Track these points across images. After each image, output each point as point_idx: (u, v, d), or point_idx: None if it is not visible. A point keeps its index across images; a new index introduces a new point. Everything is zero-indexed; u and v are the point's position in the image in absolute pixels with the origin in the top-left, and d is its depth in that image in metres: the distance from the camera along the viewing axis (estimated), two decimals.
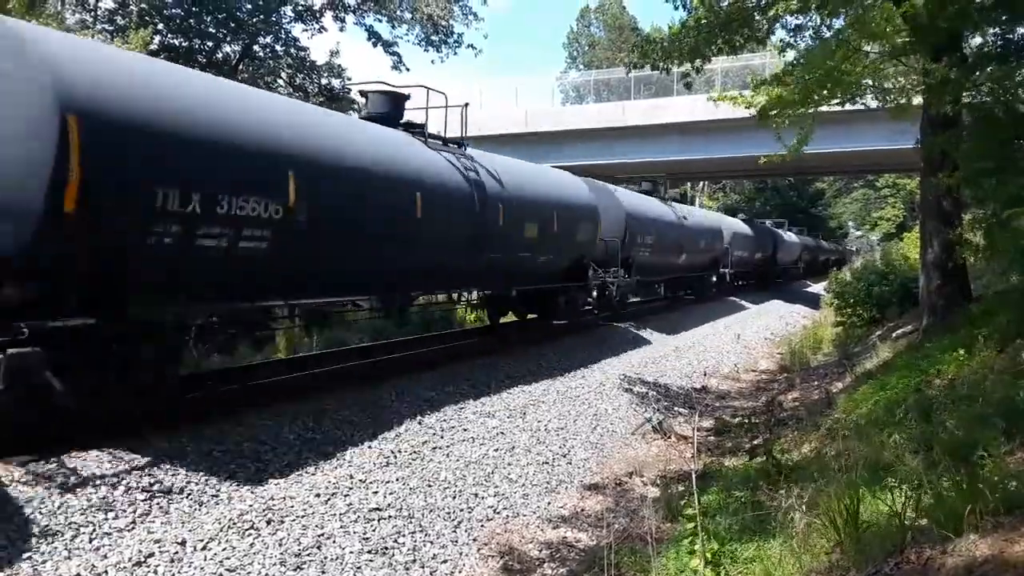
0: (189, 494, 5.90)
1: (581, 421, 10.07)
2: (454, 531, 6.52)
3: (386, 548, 5.91)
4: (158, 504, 5.65)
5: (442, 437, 8.31)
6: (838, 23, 11.79)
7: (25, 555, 4.73)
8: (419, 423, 8.52)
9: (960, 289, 11.43)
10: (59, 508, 5.21)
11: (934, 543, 3.87)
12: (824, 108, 12.79)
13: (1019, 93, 8.30)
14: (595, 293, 15.70)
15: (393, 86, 10.98)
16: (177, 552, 5.12)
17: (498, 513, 7.07)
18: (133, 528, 5.29)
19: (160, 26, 23.11)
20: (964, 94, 9.38)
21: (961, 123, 10.20)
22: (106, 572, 4.76)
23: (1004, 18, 8.25)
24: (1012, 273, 10.46)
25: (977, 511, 3.92)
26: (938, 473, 4.89)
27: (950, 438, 5.61)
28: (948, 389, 7.31)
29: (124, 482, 5.71)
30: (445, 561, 6.06)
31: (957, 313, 10.81)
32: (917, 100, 12.18)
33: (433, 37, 28.49)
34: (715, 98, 14.24)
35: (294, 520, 5.85)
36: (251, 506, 5.89)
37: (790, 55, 12.70)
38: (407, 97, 10.86)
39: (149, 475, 5.92)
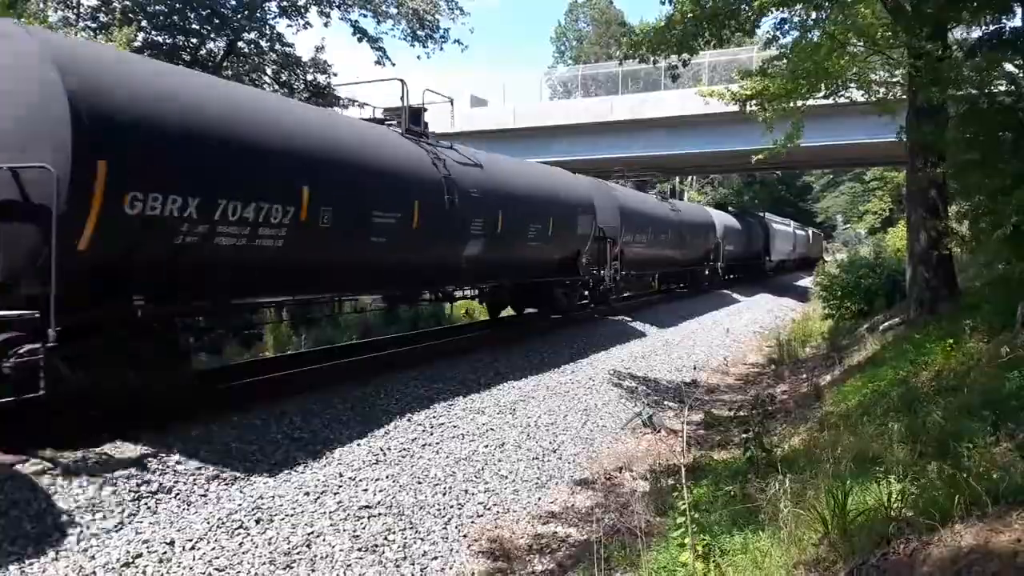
0: (177, 494, 5.87)
1: (572, 416, 10.09)
2: (444, 528, 6.51)
3: (376, 546, 5.90)
4: (146, 504, 5.62)
5: (432, 434, 8.30)
6: (823, 15, 11.81)
7: None
8: (408, 420, 8.51)
9: (946, 281, 11.50)
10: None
11: (920, 534, 3.90)
12: (809, 102, 12.82)
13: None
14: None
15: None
16: (166, 552, 5.09)
17: (488, 509, 7.07)
18: (121, 528, 5.26)
19: (144, 23, 22.89)
20: (949, 87, 9.40)
21: (946, 114, 10.24)
22: (94, 573, 4.73)
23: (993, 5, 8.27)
24: (997, 265, 10.53)
25: (963, 502, 3.95)
26: (924, 464, 4.93)
27: (936, 429, 5.65)
28: (935, 380, 7.36)
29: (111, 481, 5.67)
30: (436, 558, 6.05)
31: (944, 305, 10.89)
32: (902, 94, 12.23)
33: (419, 32, 28.28)
34: (703, 93, 14.27)
35: (283, 519, 5.83)
36: (240, 505, 5.86)
37: (776, 49, 12.71)
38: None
39: (137, 475, 5.89)
